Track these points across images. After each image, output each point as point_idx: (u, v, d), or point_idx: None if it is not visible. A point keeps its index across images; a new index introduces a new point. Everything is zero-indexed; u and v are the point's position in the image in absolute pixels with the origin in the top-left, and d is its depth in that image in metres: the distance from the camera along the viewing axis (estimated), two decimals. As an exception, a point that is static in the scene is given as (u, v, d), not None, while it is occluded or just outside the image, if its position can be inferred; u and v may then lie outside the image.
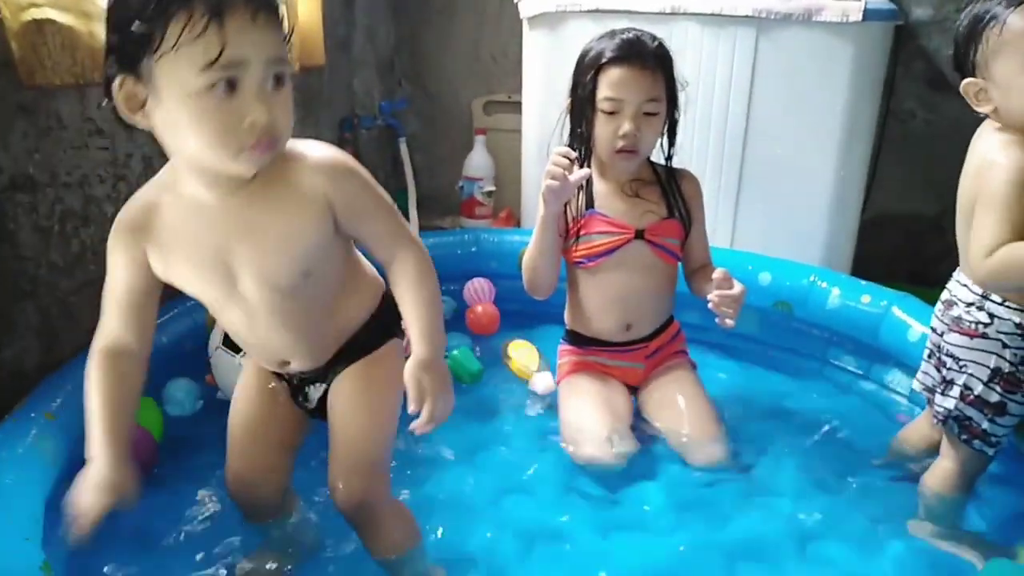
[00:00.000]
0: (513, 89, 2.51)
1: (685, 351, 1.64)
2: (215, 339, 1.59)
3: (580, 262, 1.52)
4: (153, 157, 1.77)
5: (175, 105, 0.88)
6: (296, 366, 1.16)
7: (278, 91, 0.92)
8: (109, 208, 1.66)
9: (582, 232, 1.50)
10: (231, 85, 0.87)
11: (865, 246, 2.24)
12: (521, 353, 1.84)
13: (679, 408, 1.52)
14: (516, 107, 2.48)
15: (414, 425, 1.04)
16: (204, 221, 1.01)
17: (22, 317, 1.51)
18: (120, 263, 1.05)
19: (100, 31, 1.48)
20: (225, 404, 1.28)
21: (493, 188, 2.74)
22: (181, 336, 1.66)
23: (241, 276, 1.04)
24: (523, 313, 1.97)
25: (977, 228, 1.18)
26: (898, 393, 1.74)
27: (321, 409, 1.20)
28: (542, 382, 1.72)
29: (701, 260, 1.58)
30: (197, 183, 1.00)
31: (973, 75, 1.20)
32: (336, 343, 1.16)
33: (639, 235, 1.49)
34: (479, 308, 2.01)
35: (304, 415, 1.25)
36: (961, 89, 1.22)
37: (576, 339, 1.61)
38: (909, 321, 1.64)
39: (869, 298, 1.74)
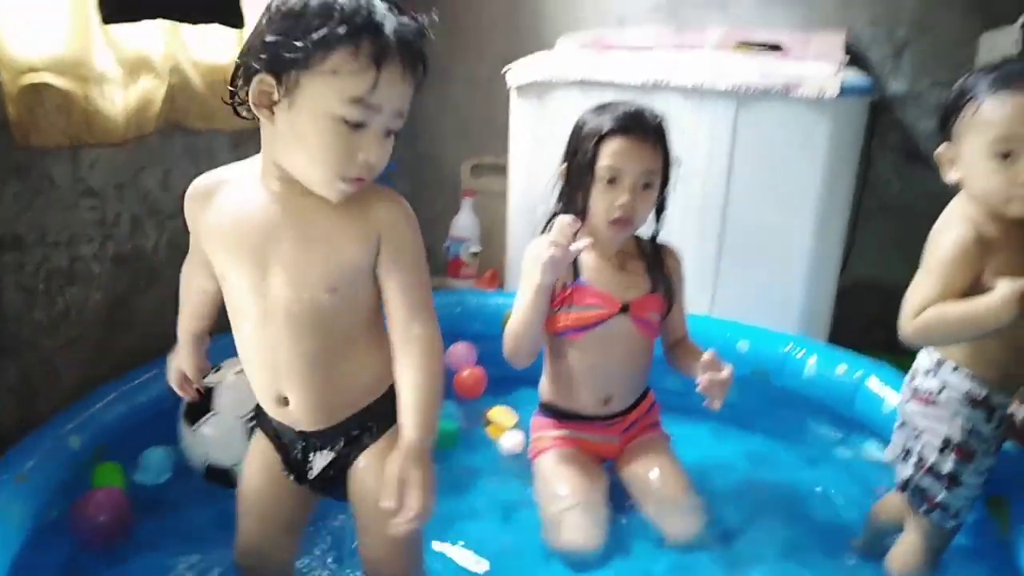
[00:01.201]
0: (500, 153, 2.55)
1: (659, 423, 1.65)
2: (229, 450, 1.52)
3: (563, 333, 1.52)
4: (142, 217, 1.80)
5: (307, 119, 0.95)
6: (295, 408, 1.11)
7: (388, 139, 1.00)
8: (96, 267, 1.68)
9: (569, 303, 1.49)
10: (362, 123, 0.95)
11: (843, 312, 2.27)
12: (499, 416, 1.86)
13: (655, 482, 1.52)
14: (503, 171, 2.52)
15: (396, 523, 0.99)
16: (261, 208, 1.05)
17: (1, 375, 1.51)
18: (191, 227, 1.14)
19: (97, 93, 1.54)
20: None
21: (479, 249, 2.77)
22: (156, 400, 1.64)
23: (272, 268, 1.05)
24: (506, 377, 1.96)
25: (913, 286, 1.22)
26: (874, 463, 1.75)
27: (323, 480, 1.18)
28: (510, 440, 1.75)
29: (680, 334, 1.61)
30: (274, 177, 1.04)
31: (943, 137, 1.25)
32: (346, 405, 1.14)
33: (624, 309, 1.50)
34: (466, 372, 2.03)
35: (310, 493, 1.22)
36: (935, 153, 1.26)
37: (552, 412, 1.60)
38: (884, 391, 1.67)
39: (845, 367, 1.77)
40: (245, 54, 0.98)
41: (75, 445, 1.46)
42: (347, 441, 1.15)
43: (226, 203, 1.07)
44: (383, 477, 1.02)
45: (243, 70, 0.98)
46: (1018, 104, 1.14)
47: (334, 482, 1.18)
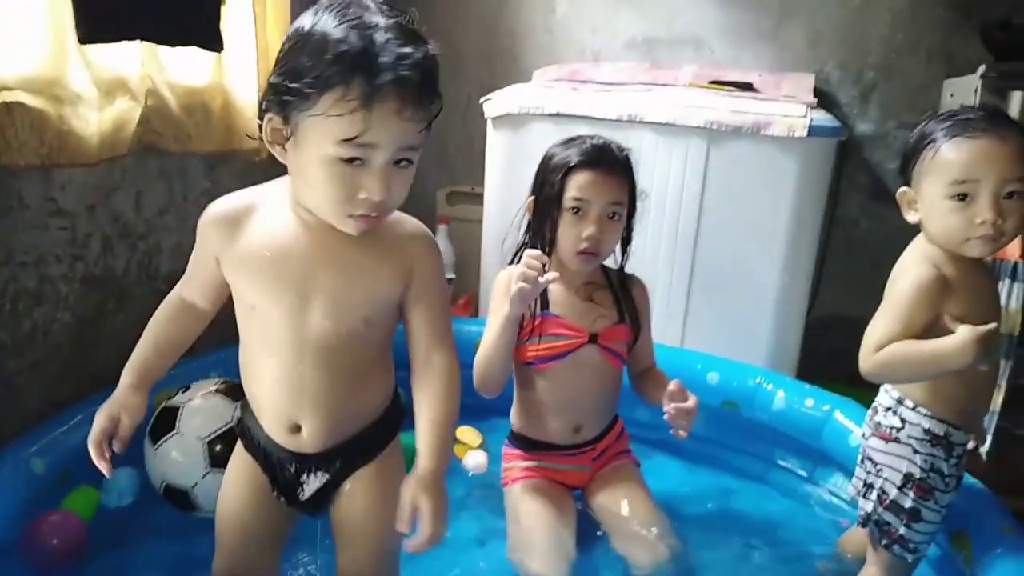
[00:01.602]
0: (476, 181, 2.57)
1: (629, 450, 1.66)
2: (188, 471, 1.49)
3: (532, 363, 1.53)
4: (113, 238, 1.78)
5: (308, 159, 0.96)
6: (307, 435, 1.12)
7: (400, 169, 0.98)
8: (64, 288, 1.66)
9: (538, 333, 1.51)
10: (359, 160, 0.94)
11: (810, 346, 2.31)
12: (466, 436, 1.87)
13: (623, 510, 1.52)
14: (478, 199, 2.54)
15: (411, 545, 1.02)
16: (297, 237, 1.04)
17: (-37, 396, 1.48)
18: (202, 252, 1.11)
19: (71, 113, 1.53)
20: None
21: (453, 276, 2.78)
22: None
23: (313, 300, 1.05)
24: (476, 405, 1.94)
25: (873, 323, 1.25)
26: (840, 497, 1.77)
27: (314, 501, 1.17)
28: (473, 460, 1.78)
29: (647, 363, 1.63)
30: (303, 207, 1.04)
31: (910, 186, 1.29)
32: (352, 425, 1.15)
33: (592, 339, 1.51)
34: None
35: (293, 511, 1.22)
36: (896, 195, 1.30)
37: (523, 443, 1.60)
38: (850, 426, 1.69)
39: (812, 401, 1.79)
40: (263, 91, 1.01)
41: (38, 468, 1.43)
42: (343, 464, 1.16)
43: (259, 231, 1.06)
44: (375, 507, 1.12)
45: (262, 107, 1.00)
46: (974, 148, 1.18)
47: (321, 502, 1.18)
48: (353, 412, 1.14)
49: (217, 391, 1.53)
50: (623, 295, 1.57)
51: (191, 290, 1.17)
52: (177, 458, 1.48)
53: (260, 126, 1.00)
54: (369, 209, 0.97)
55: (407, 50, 0.92)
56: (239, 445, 1.21)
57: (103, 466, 1.12)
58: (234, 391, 1.51)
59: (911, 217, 1.29)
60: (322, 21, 0.94)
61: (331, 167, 0.94)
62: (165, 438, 1.50)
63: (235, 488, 1.20)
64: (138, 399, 1.15)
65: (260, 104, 1.01)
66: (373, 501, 1.17)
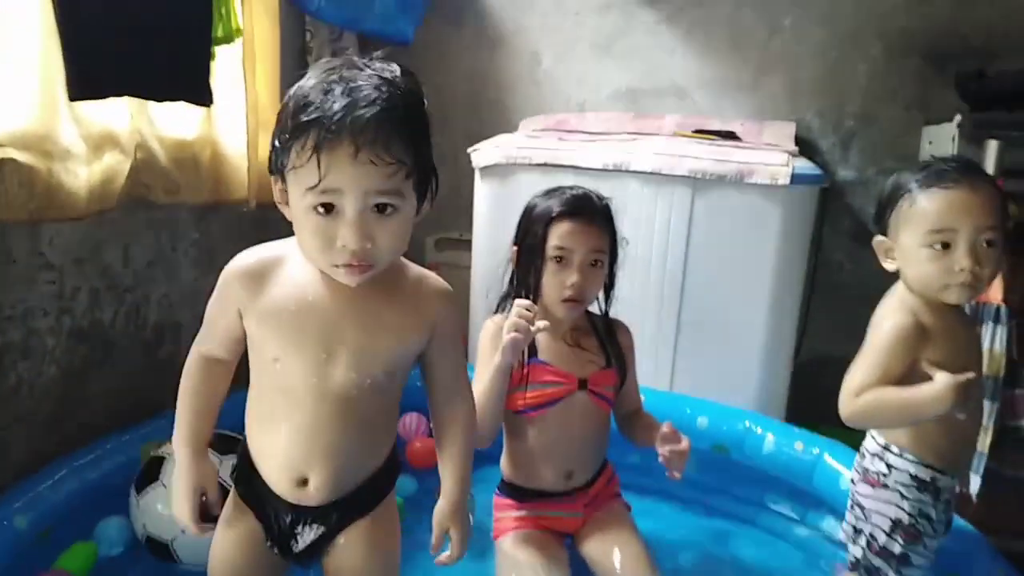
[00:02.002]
0: (464, 228, 2.60)
1: (619, 493, 1.65)
2: (168, 524, 1.46)
3: (523, 411, 1.52)
4: (100, 290, 1.78)
5: (295, 213, 1.01)
6: (313, 488, 1.11)
7: (384, 217, 0.98)
8: (51, 341, 1.66)
9: (527, 381, 1.51)
10: (328, 208, 0.96)
11: (799, 387, 2.31)
12: None
13: (614, 557, 1.50)
14: (467, 245, 2.56)
15: (441, 560, 1.18)
16: (323, 291, 1.06)
17: (-53, 452, 1.47)
18: (222, 307, 1.11)
19: (61, 168, 1.54)
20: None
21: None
22: (112, 472, 1.62)
23: (337, 353, 1.06)
24: None
25: (853, 370, 1.27)
26: (833, 540, 1.76)
27: (307, 552, 1.17)
28: None
29: (634, 405, 1.64)
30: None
31: (886, 235, 1.31)
32: (357, 476, 1.15)
33: (582, 385, 1.52)
34: (417, 444, 2.03)
35: (285, 562, 1.21)
36: (873, 244, 1.32)
37: (514, 491, 1.59)
38: (841, 469, 1.69)
39: (802, 445, 1.79)
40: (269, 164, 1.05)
41: (21, 525, 1.41)
42: (339, 516, 1.16)
43: (285, 284, 1.07)
44: (370, 559, 1.17)
45: (270, 171, 1.05)
46: (949, 198, 1.21)
47: (315, 553, 1.18)
48: (362, 463, 1.15)
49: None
50: (609, 340, 1.59)
51: (212, 345, 1.15)
52: (159, 510, 1.47)
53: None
54: (350, 258, 0.97)
55: (364, 94, 0.93)
56: (233, 493, 1.20)
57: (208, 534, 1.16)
58: (221, 443, 1.49)
59: (888, 265, 1.31)
60: (305, 82, 0.99)
61: (310, 218, 0.97)
62: (148, 489, 1.49)
63: (228, 536, 1.18)
64: (207, 465, 1.15)
65: (269, 168, 1.05)
66: (367, 552, 1.17)
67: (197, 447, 1.14)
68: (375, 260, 1.00)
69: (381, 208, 0.97)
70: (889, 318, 1.26)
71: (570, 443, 1.54)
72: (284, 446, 1.10)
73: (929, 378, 1.18)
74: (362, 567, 1.17)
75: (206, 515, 1.15)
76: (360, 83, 0.95)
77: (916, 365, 1.22)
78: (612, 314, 1.62)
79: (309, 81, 0.98)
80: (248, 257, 1.10)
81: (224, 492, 1.18)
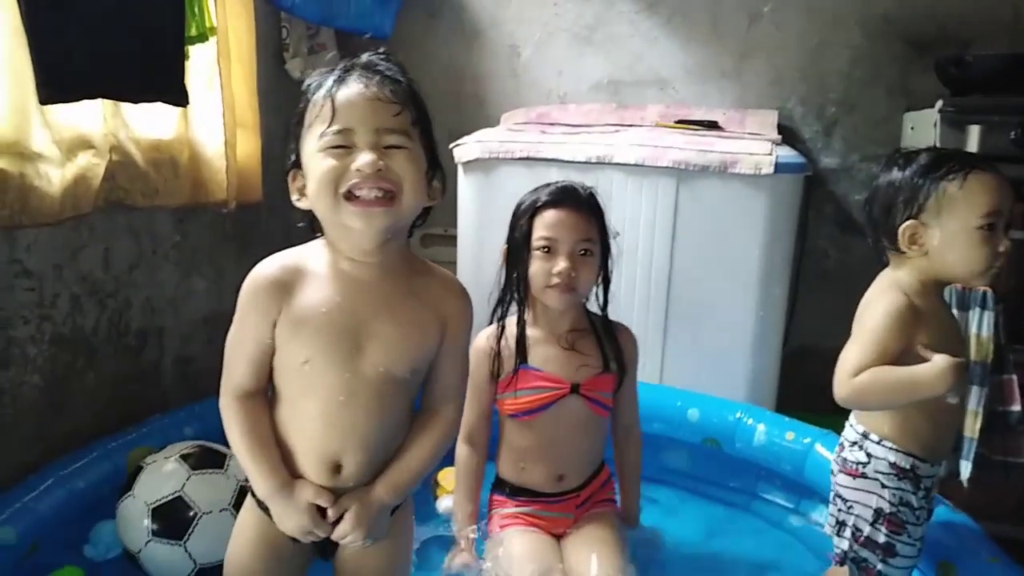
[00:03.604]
0: (449, 223, 2.57)
1: (613, 499, 1.64)
2: (135, 535, 1.45)
3: (515, 415, 1.51)
4: (81, 296, 1.75)
5: (308, 167, 1.06)
6: (348, 473, 1.12)
7: (395, 152, 1.04)
8: (32, 350, 1.63)
9: (514, 388, 1.49)
10: (344, 148, 1.03)
11: (787, 376, 2.31)
12: (446, 480, 1.83)
13: (591, 564, 1.46)
14: (452, 240, 2.54)
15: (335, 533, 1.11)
16: (347, 289, 1.09)
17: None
18: (254, 320, 1.10)
19: (33, 172, 1.51)
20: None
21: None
22: (100, 480, 1.59)
23: (368, 348, 1.09)
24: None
25: (848, 351, 1.26)
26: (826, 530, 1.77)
27: (332, 544, 1.16)
28: (445, 503, 1.76)
29: (627, 419, 1.62)
30: (343, 259, 1.10)
31: (908, 214, 1.27)
32: (385, 465, 1.16)
33: (574, 390, 1.49)
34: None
35: (304, 561, 1.22)
36: (902, 228, 1.28)
37: (507, 489, 1.58)
38: (832, 458, 1.69)
39: (793, 435, 1.79)
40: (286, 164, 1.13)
41: (9, 538, 1.38)
42: None
43: (312, 288, 1.09)
44: (391, 556, 1.20)
45: (287, 174, 1.12)
46: (998, 181, 1.23)
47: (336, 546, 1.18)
48: (389, 450, 1.16)
49: (181, 456, 1.50)
50: (608, 342, 1.55)
51: (240, 378, 1.13)
52: (129, 520, 1.46)
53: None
54: (360, 180, 1.01)
55: (372, 60, 1.08)
56: (249, 502, 1.20)
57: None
58: (199, 458, 1.49)
59: (912, 250, 1.28)
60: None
61: (324, 159, 1.03)
62: (124, 497, 1.48)
63: (247, 541, 1.19)
64: (295, 485, 1.11)
65: (285, 174, 1.12)
66: (385, 550, 1.19)
67: (282, 483, 1.11)
68: (391, 184, 1.03)
69: (393, 148, 1.04)
70: (882, 299, 1.26)
71: (561, 447, 1.52)
72: (315, 437, 1.11)
73: (923, 360, 1.18)
74: (378, 562, 1.19)
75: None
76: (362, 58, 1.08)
77: (909, 348, 1.22)
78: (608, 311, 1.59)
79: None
80: (270, 266, 1.11)
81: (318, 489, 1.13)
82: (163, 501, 1.43)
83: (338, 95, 1.03)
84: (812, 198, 2.57)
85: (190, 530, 1.42)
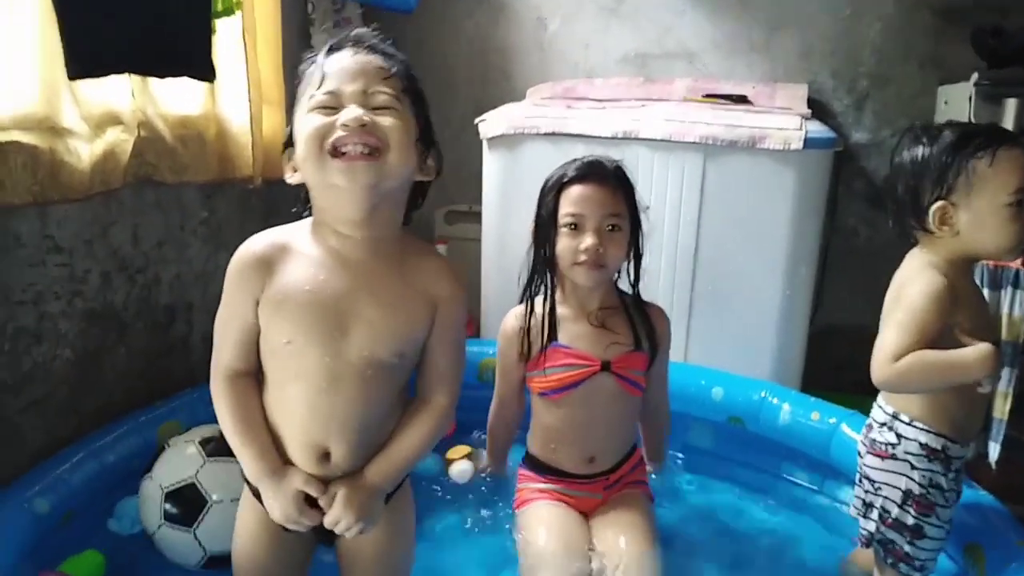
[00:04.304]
0: (474, 200, 2.57)
1: (645, 481, 1.61)
2: (151, 517, 1.47)
3: (545, 393, 1.50)
4: (111, 272, 1.77)
5: (296, 132, 1.06)
6: (336, 460, 1.11)
7: (383, 112, 1.04)
8: (64, 325, 1.65)
9: (546, 365, 1.47)
10: (331, 108, 1.02)
11: (813, 356, 2.29)
12: (455, 453, 1.84)
13: (617, 539, 1.45)
14: (476, 217, 2.54)
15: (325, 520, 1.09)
16: (333, 267, 1.07)
17: (-37, 439, 1.47)
18: (239, 298, 1.09)
19: (63, 148, 1.53)
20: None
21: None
22: (131, 455, 1.62)
23: (352, 330, 1.07)
24: (472, 422, 1.87)
25: (887, 334, 1.23)
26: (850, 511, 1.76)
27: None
28: (456, 468, 1.77)
29: (655, 400, 1.59)
30: (330, 232, 1.09)
31: (937, 194, 1.24)
32: (376, 451, 1.14)
33: (605, 367, 1.46)
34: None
35: (309, 548, 1.22)
36: (933, 209, 1.24)
37: (535, 465, 1.57)
38: (858, 439, 1.67)
39: (818, 415, 1.78)
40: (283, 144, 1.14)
41: (42, 508, 1.42)
42: None
43: (297, 266, 1.08)
44: (391, 540, 1.18)
45: (285, 159, 1.13)
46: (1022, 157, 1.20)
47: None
48: (379, 436, 1.14)
49: (201, 441, 1.50)
50: (640, 320, 1.52)
51: (228, 357, 1.12)
52: (145, 501, 1.48)
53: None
54: (348, 135, 1.00)
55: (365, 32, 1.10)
56: (245, 490, 1.19)
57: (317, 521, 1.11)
58: (218, 443, 1.46)
59: (942, 230, 1.25)
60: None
61: (312, 118, 1.03)
62: (145, 477, 1.50)
63: (250, 532, 1.19)
64: (285, 471, 1.10)
65: (282, 152, 1.13)
66: (384, 535, 1.18)
67: (272, 467, 1.09)
68: (379, 140, 1.02)
69: (380, 110, 1.03)
70: (919, 280, 1.23)
71: (593, 427, 1.50)
72: (301, 424, 1.10)
73: (959, 344, 1.17)
74: (378, 549, 1.18)
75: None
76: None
77: (947, 330, 1.20)
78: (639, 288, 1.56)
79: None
80: (256, 243, 1.10)
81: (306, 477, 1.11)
82: (177, 486, 1.44)
83: (328, 62, 1.05)
84: (842, 174, 2.54)
85: (200, 517, 1.42)
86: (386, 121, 1.03)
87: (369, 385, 1.09)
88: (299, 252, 1.09)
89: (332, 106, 1.02)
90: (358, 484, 1.10)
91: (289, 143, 1.11)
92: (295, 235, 1.11)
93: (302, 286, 1.06)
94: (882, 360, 1.22)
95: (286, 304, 1.06)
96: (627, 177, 1.49)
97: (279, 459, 1.10)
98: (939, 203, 1.25)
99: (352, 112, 1.00)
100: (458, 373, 1.19)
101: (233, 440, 1.10)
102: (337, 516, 1.08)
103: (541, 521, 1.49)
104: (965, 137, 1.24)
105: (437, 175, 1.15)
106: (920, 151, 1.27)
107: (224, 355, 1.12)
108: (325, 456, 1.11)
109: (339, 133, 1.00)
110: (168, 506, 1.43)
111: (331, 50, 1.07)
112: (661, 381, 1.60)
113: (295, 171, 1.10)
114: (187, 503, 1.43)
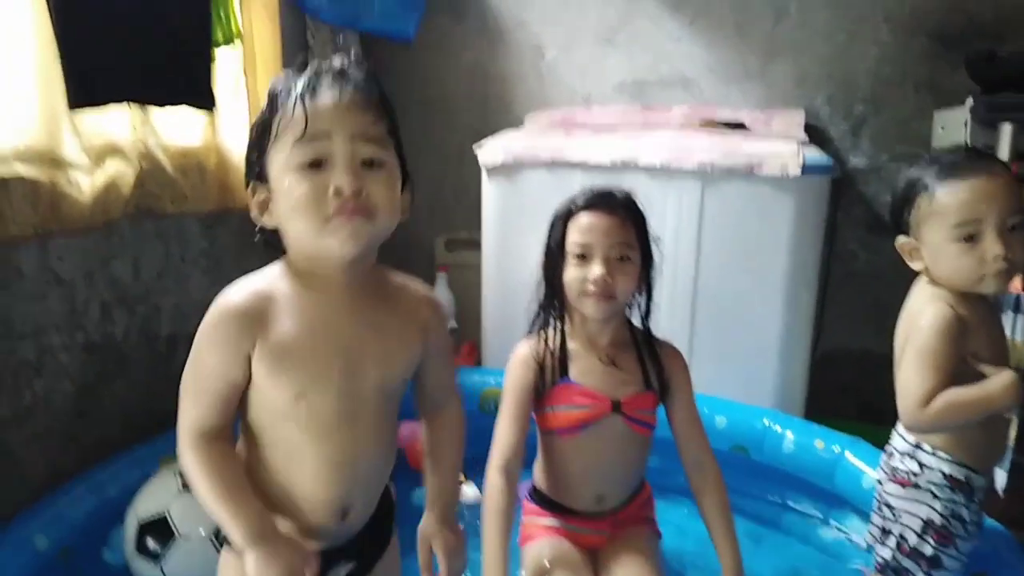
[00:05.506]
0: (473, 227, 2.57)
1: (652, 517, 1.57)
2: (127, 546, 1.47)
3: (555, 431, 1.44)
4: (111, 303, 1.77)
5: (277, 184, 0.98)
6: (353, 516, 1.07)
7: (372, 170, 0.97)
8: (64, 357, 1.65)
9: (556, 403, 1.42)
10: (319, 162, 0.95)
11: (816, 382, 2.29)
12: None
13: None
14: (476, 245, 2.54)
15: None
16: (326, 312, 1.02)
17: (-37, 473, 1.46)
18: (222, 357, 0.99)
19: (64, 180, 1.53)
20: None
21: (455, 324, 2.76)
22: (132, 488, 1.60)
23: (364, 368, 1.03)
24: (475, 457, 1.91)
25: (909, 379, 1.22)
26: (856, 541, 1.74)
27: None
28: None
29: (696, 452, 1.47)
30: (313, 277, 1.02)
31: (907, 233, 1.28)
32: (377, 499, 1.12)
33: (616, 407, 1.41)
34: (418, 445, 2.01)
35: None
36: (896, 246, 1.29)
37: (542, 500, 1.52)
38: (862, 467, 1.67)
39: (822, 443, 1.77)
40: (246, 176, 1.04)
41: (41, 545, 1.41)
42: (366, 547, 1.12)
43: (291, 316, 1.00)
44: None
45: (247, 186, 1.03)
46: (970, 188, 1.19)
47: None
48: (383, 480, 1.14)
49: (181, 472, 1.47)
50: (650, 358, 1.47)
51: (204, 413, 1.00)
52: (125, 530, 1.47)
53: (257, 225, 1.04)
54: (344, 201, 0.94)
55: (335, 63, 1.00)
56: (229, 558, 1.08)
57: None
58: None
59: (916, 265, 1.28)
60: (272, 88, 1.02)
61: (296, 173, 0.95)
62: (130, 505, 1.49)
63: None
64: (278, 534, 0.99)
65: (246, 184, 1.03)
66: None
67: (271, 527, 0.99)
68: (371, 207, 0.96)
69: (369, 164, 0.97)
70: (926, 313, 1.23)
71: (601, 467, 1.45)
72: (325, 480, 1.03)
73: (977, 373, 1.17)
74: None
75: None
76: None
77: (962, 362, 1.20)
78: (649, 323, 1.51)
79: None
80: (235, 296, 1.00)
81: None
82: (150, 519, 1.44)
83: (310, 103, 0.95)
84: (840, 199, 2.54)
85: (166, 552, 1.42)
86: (378, 185, 0.97)
87: (381, 421, 1.06)
88: (287, 300, 1.01)
89: (319, 160, 0.95)
90: (440, 525, 1.13)
91: (253, 177, 1.02)
92: (274, 283, 1.03)
93: (304, 337, 0.99)
94: (912, 407, 1.21)
95: (290, 357, 0.99)
96: (638, 207, 1.45)
97: (264, 517, 0.99)
98: (902, 241, 1.29)
99: (346, 182, 0.94)
100: (456, 379, 1.23)
101: (221, 505, 0.97)
102: (449, 567, 1.12)
103: (546, 559, 1.44)
104: (919, 171, 1.26)
105: (409, 207, 1.09)
106: (897, 186, 1.31)
107: (200, 415, 1.00)
108: (345, 514, 1.06)
109: (332, 204, 0.94)
110: (140, 537, 1.43)
111: (310, 85, 0.97)
112: (693, 426, 1.47)
113: (264, 211, 1.02)
114: (157, 535, 1.43)
